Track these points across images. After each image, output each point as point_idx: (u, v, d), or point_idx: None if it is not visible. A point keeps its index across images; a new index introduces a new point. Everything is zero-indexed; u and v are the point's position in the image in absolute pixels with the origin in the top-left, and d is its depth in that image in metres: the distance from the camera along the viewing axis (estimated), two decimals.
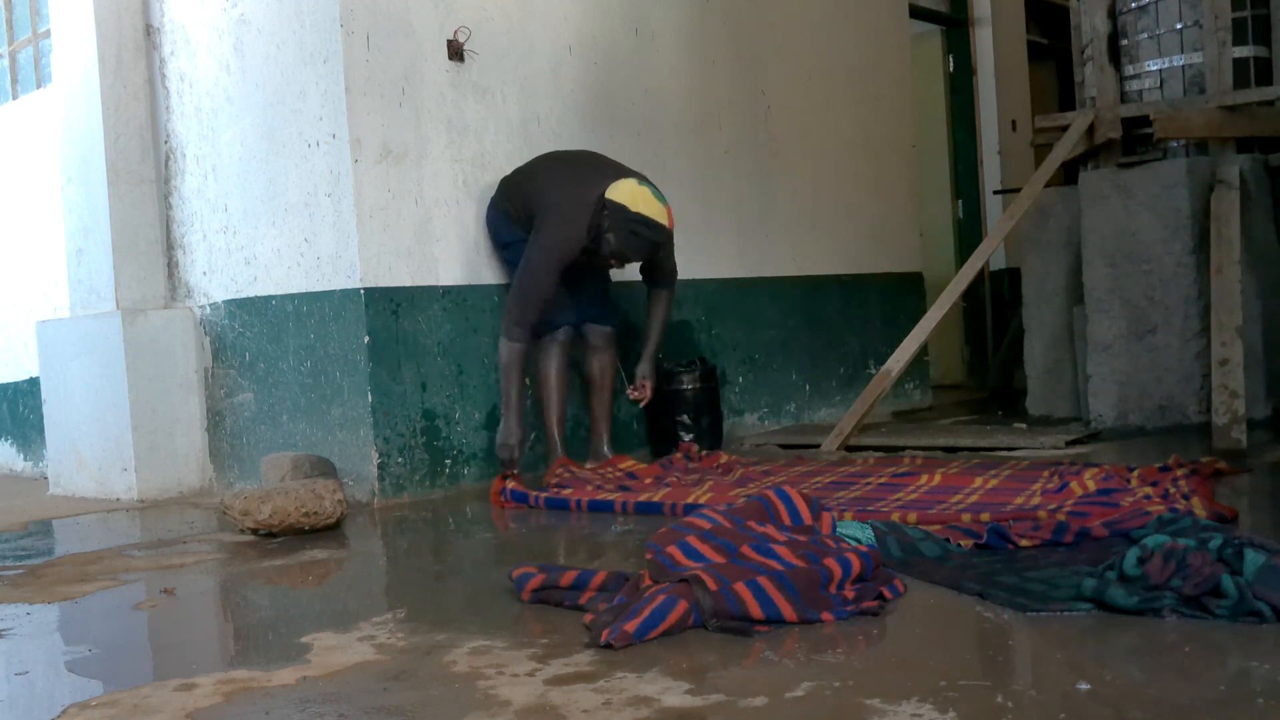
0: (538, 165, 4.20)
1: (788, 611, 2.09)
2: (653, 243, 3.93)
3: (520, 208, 4.08)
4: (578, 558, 2.88)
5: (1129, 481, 3.22)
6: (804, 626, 2.09)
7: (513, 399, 3.94)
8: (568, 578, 2.39)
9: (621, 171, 4.06)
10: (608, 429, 4.37)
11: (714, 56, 5.33)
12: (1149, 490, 3.05)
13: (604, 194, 3.89)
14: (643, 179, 3.98)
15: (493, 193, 4.28)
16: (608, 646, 2.00)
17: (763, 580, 2.13)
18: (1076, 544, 2.56)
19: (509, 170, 4.41)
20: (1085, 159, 5.10)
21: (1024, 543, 2.58)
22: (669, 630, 2.06)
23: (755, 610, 2.09)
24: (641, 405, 4.38)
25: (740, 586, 2.12)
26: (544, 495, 3.71)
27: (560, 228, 3.91)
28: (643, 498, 3.52)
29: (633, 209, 3.85)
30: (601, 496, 3.59)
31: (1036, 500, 3.10)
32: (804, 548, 2.35)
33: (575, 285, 4.12)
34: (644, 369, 4.31)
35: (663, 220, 3.90)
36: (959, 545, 2.62)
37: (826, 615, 2.12)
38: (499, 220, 4.18)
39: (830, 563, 2.24)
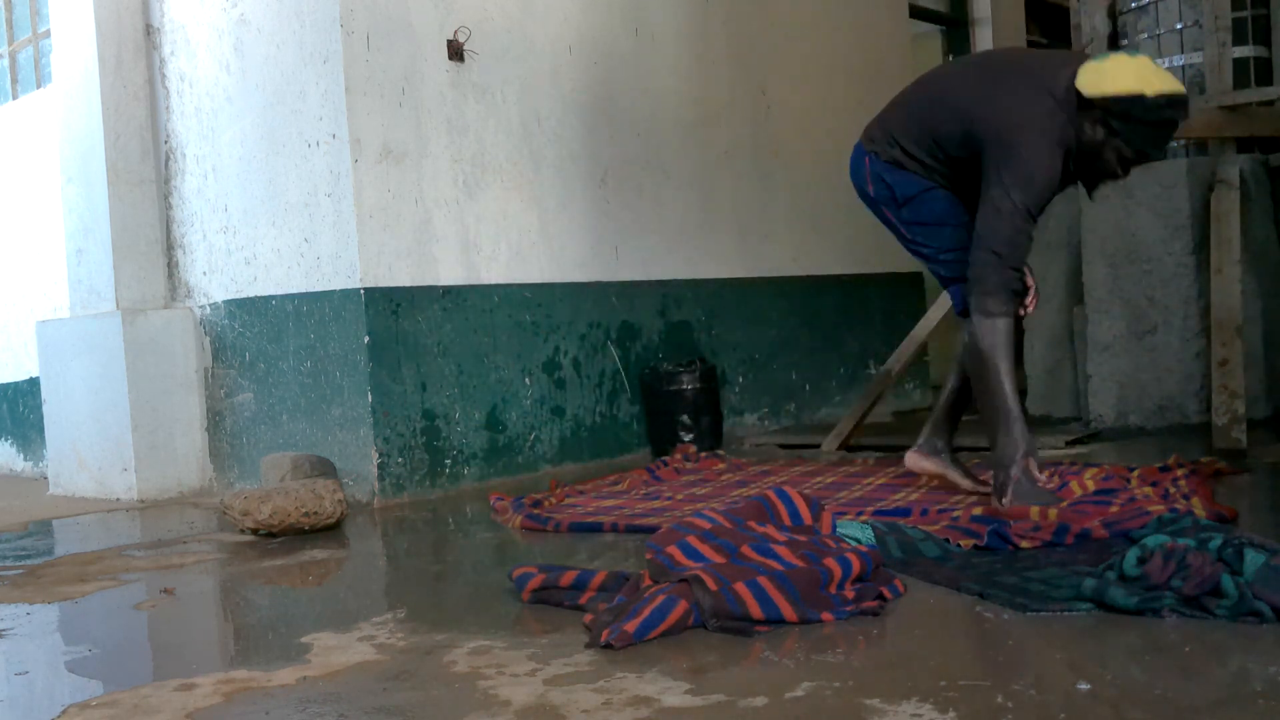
0: (945, 80, 3.24)
1: (788, 611, 2.09)
2: (1181, 122, 2.95)
3: (928, 142, 3.10)
4: (577, 558, 2.88)
5: (1129, 481, 3.22)
6: (804, 626, 2.09)
7: (1008, 399, 2.94)
8: (568, 578, 2.39)
9: (1063, 57, 3.13)
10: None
11: (714, 56, 5.32)
12: (1149, 490, 3.05)
13: (1073, 83, 2.89)
14: (1119, 50, 3.04)
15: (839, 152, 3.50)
16: (608, 646, 2.00)
17: (763, 580, 2.13)
18: (1077, 545, 2.55)
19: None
20: None
21: (1024, 544, 2.58)
22: (669, 630, 2.06)
23: (755, 610, 2.09)
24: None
25: (740, 586, 2.12)
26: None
27: (1034, 159, 2.90)
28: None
29: (1150, 93, 2.82)
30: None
31: None
32: (804, 548, 2.35)
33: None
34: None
35: (1181, 88, 2.88)
36: (959, 545, 2.62)
37: (826, 615, 2.12)
38: (886, 172, 3.19)
39: (830, 563, 2.24)
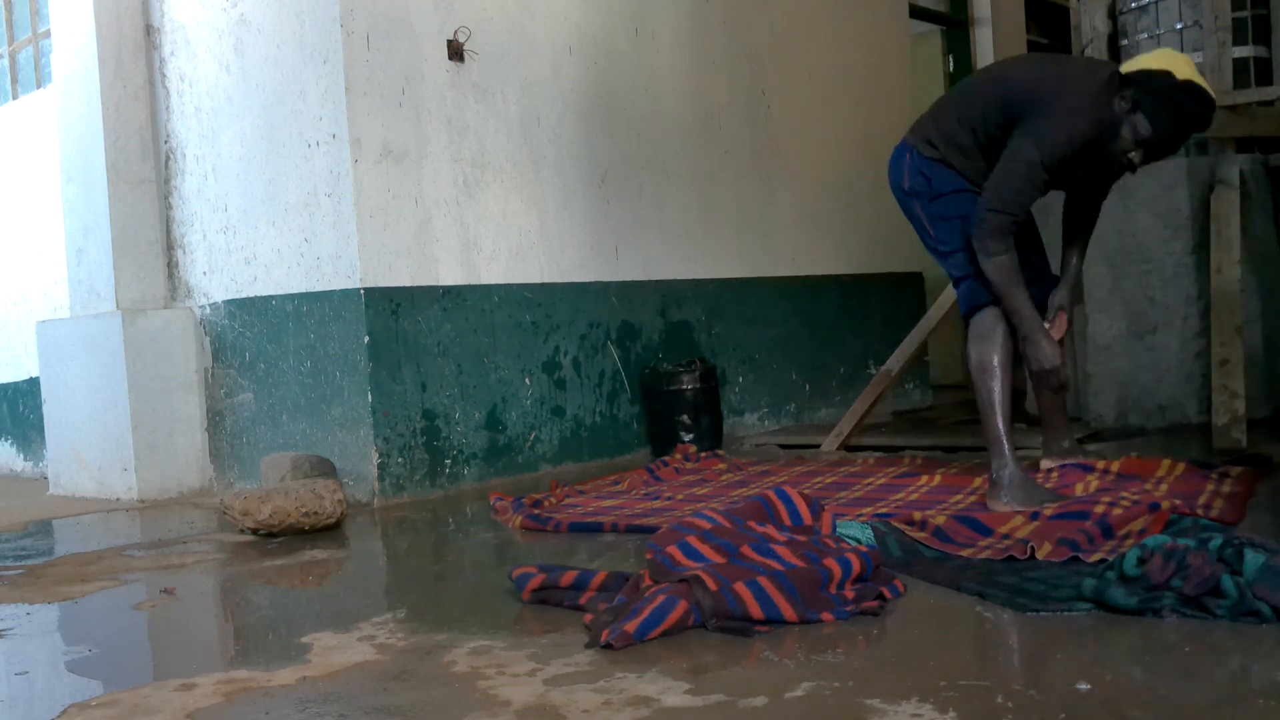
0: (1004, 65, 3.41)
1: (788, 611, 2.09)
2: (1201, 122, 2.98)
3: (977, 116, 3.19)
4: (577, 558, 2.88)
5: (1146, 483, 3.18)
6: (804, 626, 2.09)
7: (1025, 312, 3.09)
8: (568, 578, 2.39)
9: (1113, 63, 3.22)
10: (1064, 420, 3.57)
11: (714, 56, 5.32)
12: (1160, 497, 2.95)
13: (1117, 71, 3.02)
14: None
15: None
16: (608, 646, 2.00)
17: (763, 580, 2.13)
18: (1030, 562, 2.49)
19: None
20: None
21: (965, 553, 2.54)
22: (669, 630, 2.06)
23: (755, 610, 2.09)
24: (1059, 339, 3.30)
25: (740, 586, 2.12)
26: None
27: (1064, 116, 3.01)
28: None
29: (1180, 75, 2.91)
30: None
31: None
32: (804, 548, 2.35)
33: (1024, 244, 3.30)
34: (1062, 295, 3.39)
35: (1210, 93, 2.95)
36: (937, 550, 2.61)
37: (826, 615, 2.12)
38: (926, 166, 3.27)
39: (830, 563, 2.23)
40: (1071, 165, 3.10)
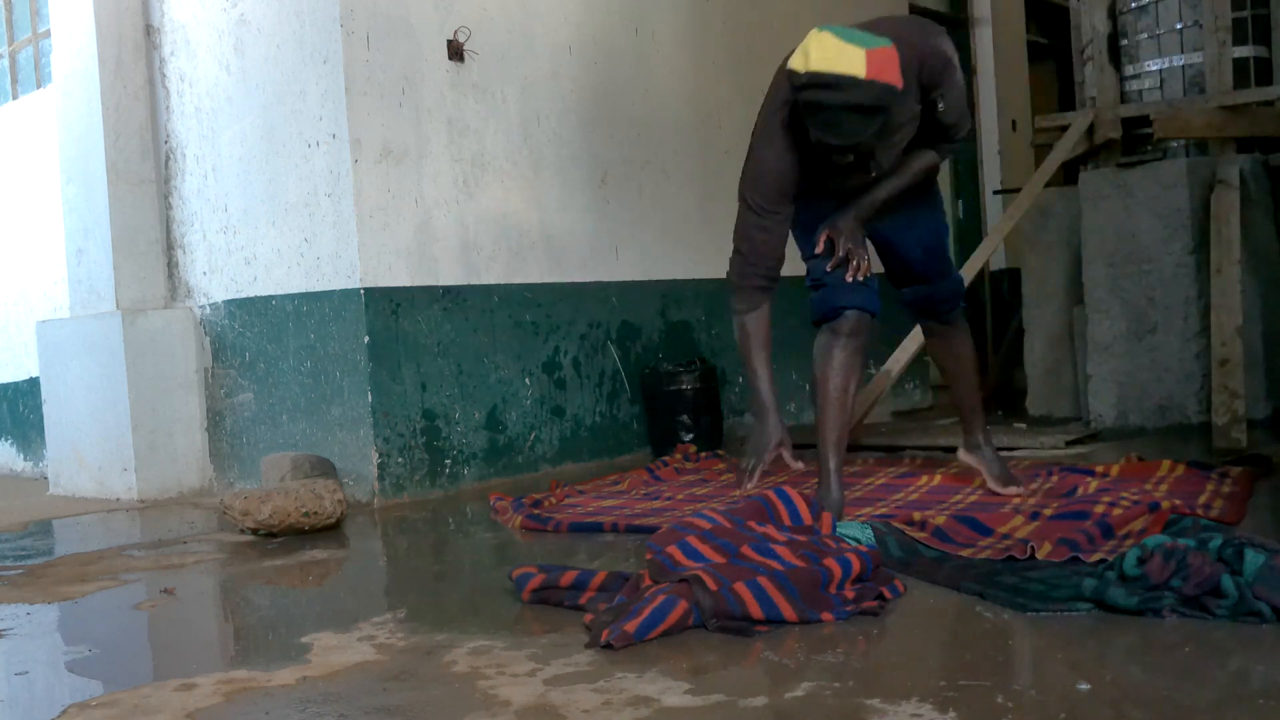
0: None
1: (787, 611, 2.09)
2: (847, 109, 2.59)
3: None
4: (577, 558, 2.88)
5: (1147, 484, 3.18)
6: (804, 626, 2.09)
7: (757, 386, 2.95)
8: (568, 578, 2.39)
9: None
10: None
11: (714, 57, 5.32)
12: (1161, 498, 2.95)
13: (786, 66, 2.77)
14: (836, 28, 2.74)
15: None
16: (608, 646, 2.00)
17: (763, 580, 2.13)
18: (1029, 562, 2.49)
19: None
20: (1085, 159, 5.10)
21: (965, 553, 2.54)
22: (669, 630, 2.06)
23: (755, 610, 2.09)
24: (848, 274, 3.00)
25: (740, 586, 2.12)
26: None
27: (759, 140, 2.92)
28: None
29: (803, 69, 2.64)
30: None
31: (1034, 500, 3.10)
32: (804, 547, 2.35)
33: (896, 235, 3.06)
34: (836, 217, 3.00)
35: (849, 69, 2.57)
36: (936, 550, 2.61)
37: (826, 615, 2.12)
38: None
39: (830, 563, 2.23)
40: (817, 172, 2.85)
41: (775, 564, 2.25)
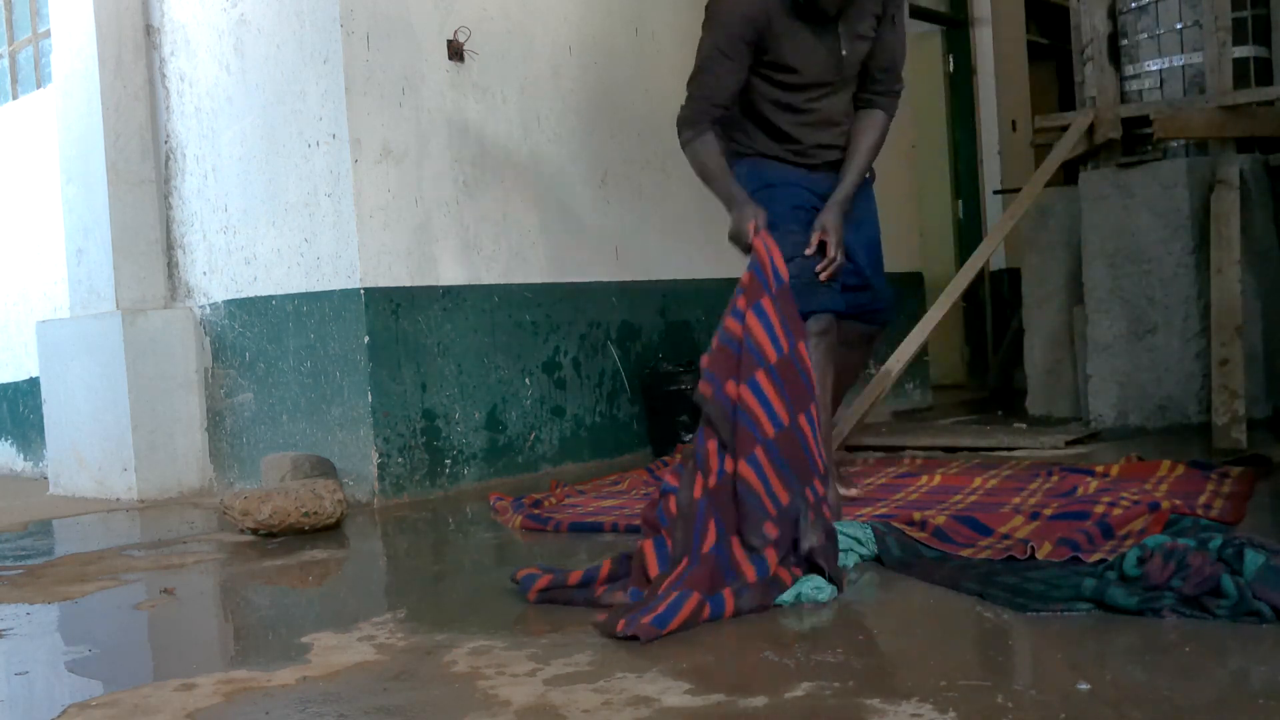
0: None
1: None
2: None
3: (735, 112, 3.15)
4: (577, 558, 2.88)
5: (1146, 484, 3.18)
6: (806, 626, 2.09)
7: (728, 190, 2.97)
8: (575, 576, 2.40)
9: None
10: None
11: None
12: (1161, 498, 2.95)
13: None
14: None
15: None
16: (632, 638, 2.02)
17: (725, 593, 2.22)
18: (1030, 562, 2.49)
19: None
20: (1085, 159, 5.10)
21: (965, 553, 2.53)
22: (685, 623, 2.08)
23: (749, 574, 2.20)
24: (823, 274, 2.96)
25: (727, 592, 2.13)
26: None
27: (710, 59, 2.98)
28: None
29: None
30: None
31: (1035, 500, 3.10)
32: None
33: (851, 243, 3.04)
34: (825, 216, 2.99)
35: None
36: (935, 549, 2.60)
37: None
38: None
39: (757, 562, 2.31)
40: (780, 48, 2.90)
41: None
